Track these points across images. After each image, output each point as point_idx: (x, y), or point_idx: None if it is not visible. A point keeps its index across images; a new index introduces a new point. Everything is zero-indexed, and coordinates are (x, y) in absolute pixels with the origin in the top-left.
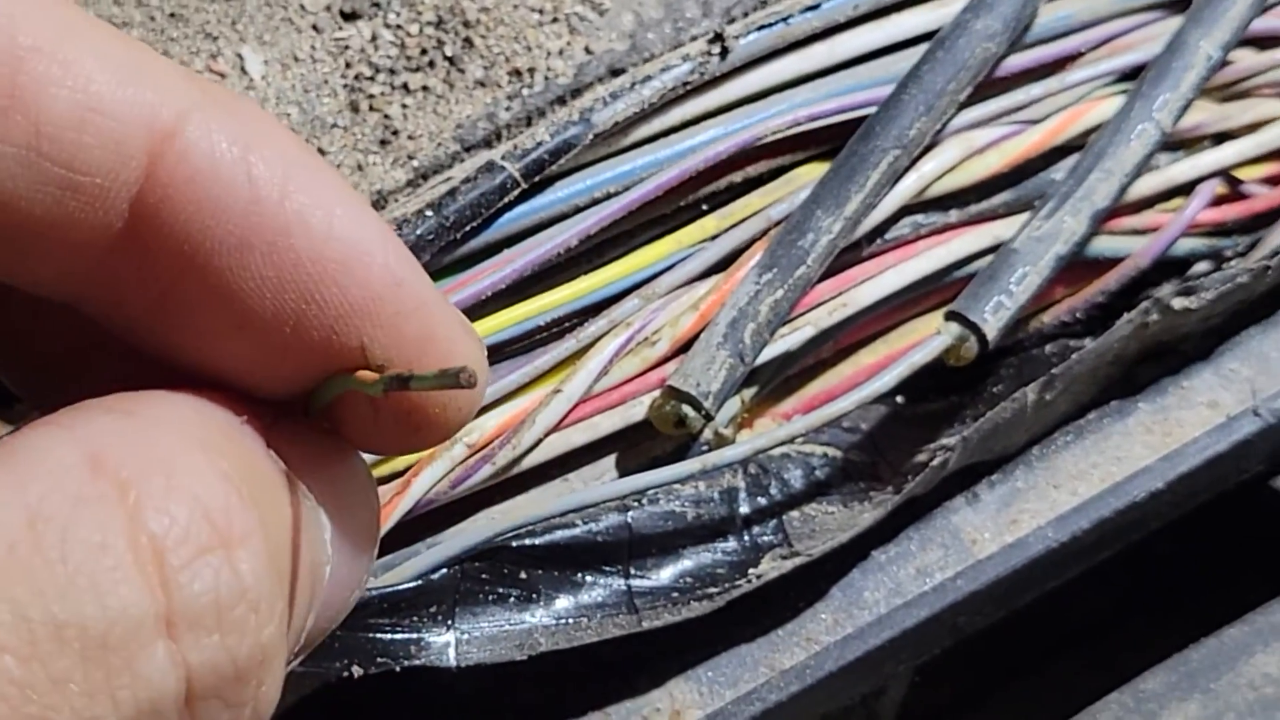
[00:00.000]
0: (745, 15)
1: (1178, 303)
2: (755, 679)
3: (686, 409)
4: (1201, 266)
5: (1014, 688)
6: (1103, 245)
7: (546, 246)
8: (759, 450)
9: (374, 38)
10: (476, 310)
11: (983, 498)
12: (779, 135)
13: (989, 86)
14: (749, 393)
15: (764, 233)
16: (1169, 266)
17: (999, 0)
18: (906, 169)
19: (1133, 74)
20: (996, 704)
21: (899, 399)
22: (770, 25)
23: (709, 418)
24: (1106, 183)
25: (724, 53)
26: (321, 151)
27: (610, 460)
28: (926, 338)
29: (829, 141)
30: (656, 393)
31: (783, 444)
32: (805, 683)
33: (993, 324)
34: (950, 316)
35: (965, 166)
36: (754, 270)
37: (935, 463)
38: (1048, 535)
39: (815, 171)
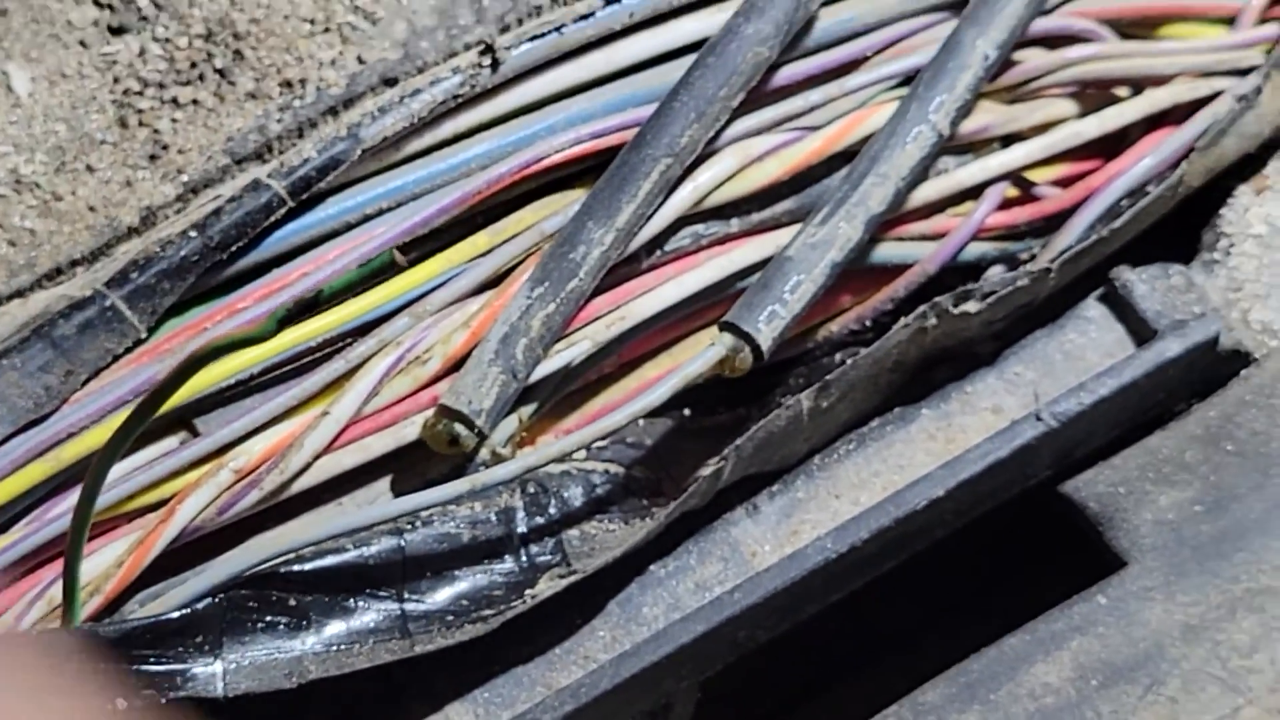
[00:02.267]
0: (520, 23)
1: (957, 308)
2: (532, 699)
3: (459, 427)
4: (995, 271)
5: (812, 701)
6: (891, 252)
7: (318, 276)
8: (531, 467)
9: (142, 52)
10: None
11: (763, 509)
12: (559, 155)
13: (769, 94)
14: (527, 410)
15: (537, 247)
16: (963, 272)
17: (770, 4)
18: (681, 178)
19: (915, 78)
20: (797, 717)
21: (686, 412)
22: (544, 35)
23: (483, 436)
24: (881, 187)
25: (495, 64)
26: (90, 169)
27: (384, 482)
28: (702, 349)
29: (608, 155)
30: (429, 412)
31: (557, 460)
32: (581, 701)
33: (767, 333)
34: (724, 327)
35: (744, 175)
36: (525, 285)
37: (708, 474)
38: (826, 546)
39: (590, 184)
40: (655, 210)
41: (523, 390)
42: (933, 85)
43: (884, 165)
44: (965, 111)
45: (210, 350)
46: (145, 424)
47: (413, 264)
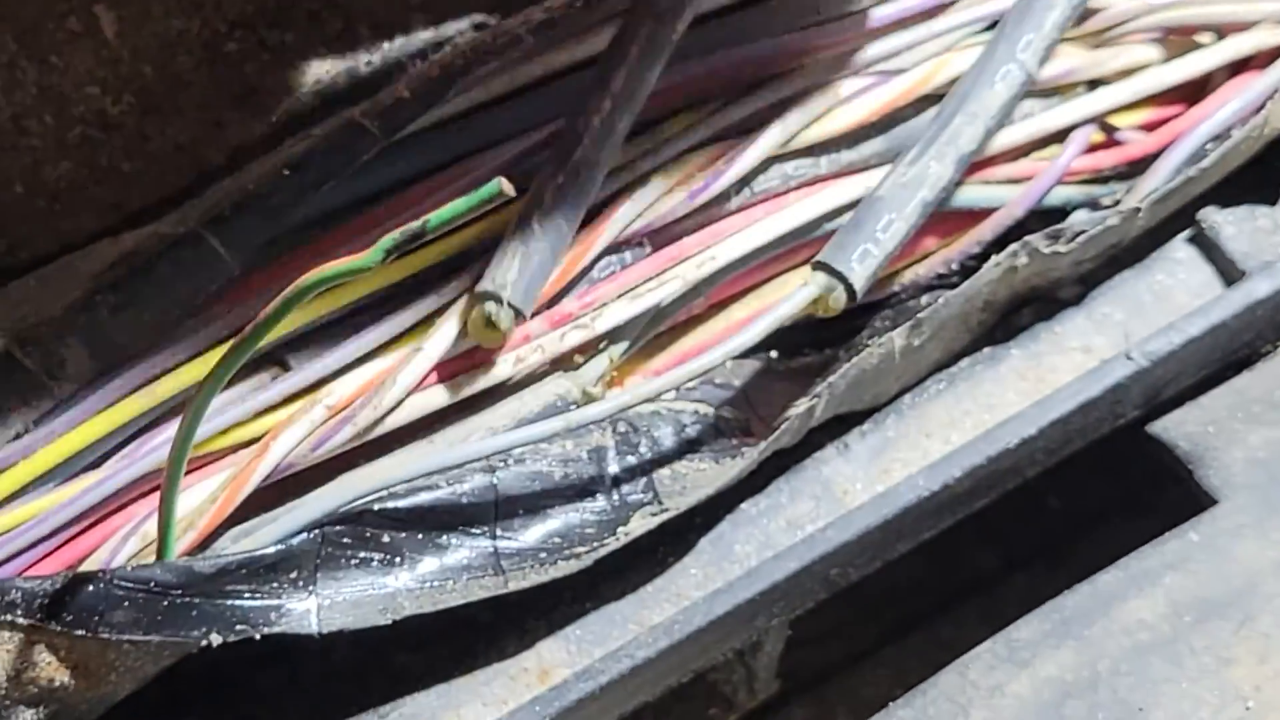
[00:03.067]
0: None
1: (1047, 246)
2: (624, 636)
3: (489, 306)
4: (1079, 215)
5: (897, 644)
6: (977, 195)
7: (411, 214)
8: (624, 406)
9: None
10: None
11: (854, 448)
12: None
13: (858, 36)
14: (617, 350)
15: (629, 188)
16: (1047, 215)
17: None
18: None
19: (1002, 19)
20: (882, 659)
21: (773, 354)
22: None
23: (517, 311)
24: (971, 126)
25: (589, 3)
26: (178, 109)
27: (476, 420)
28: (794, 289)
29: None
30: (519, 351)
31: (648, 400)
32: (674, 638)
33: (860, 273)
34: (817, 267)
35: (833, 115)
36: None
37: (801, 411)
38: (919, 484)
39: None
40: (646, 78)
41: (613, 329)
42: (1020, 24)
43: (973, 104)
44: (1051, 50)
45: (317, 280)
46: (246, 356)
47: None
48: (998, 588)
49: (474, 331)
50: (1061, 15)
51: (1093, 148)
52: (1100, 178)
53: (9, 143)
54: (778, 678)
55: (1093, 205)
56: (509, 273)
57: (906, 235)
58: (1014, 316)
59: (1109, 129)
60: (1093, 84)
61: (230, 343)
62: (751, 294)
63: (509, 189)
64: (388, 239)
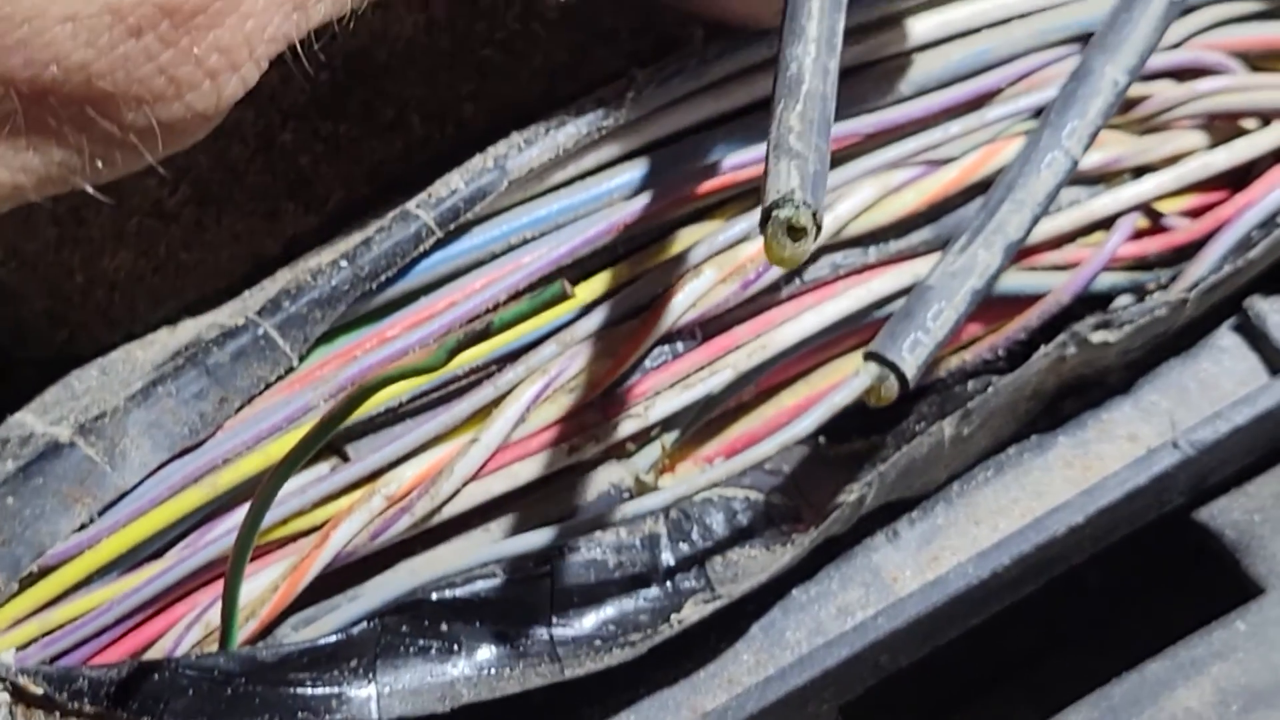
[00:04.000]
0: (657, 56)
1: (1095, 336)
2: None
3: (786, 210)
4: (1124, 300)
5: None
6: (1024, 281)
7: (468, 305)
8: (680, 498)
9: (284, 82)
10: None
11: (903, 535)
12: (703, 186)
13: (907, 126)
14: (669, 438)
15: (678, 276)
16: (1092, 301)
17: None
18: None
19: (1047, 106)
20: None
21: (821, 440)
22: (684, 69)
23: (812, 210)
24: (1019, 214)
25: (637, 97)
26: (233, 199)
27: (531, 509)
28: (846, 378)
29: (748, 186)
30: (573, 440)
31: (703, 490)
32: None
33: (911, 362)
34: (869, 356)
35: (882, 205)
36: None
37: (852, 500)
38: (968, 572)
39: (732, 213)
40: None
41: (665, 418)
42: (1064, 112)
43: (1020, 192)
44: (1096, 137)
45: (380, 381)
46: (310, 454)
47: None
48: (1041, 668)
49: (774, 252)
50: (1105, 102)
51: (1138, 234)
52: (1146, 264)
53: (68, 234)
54: None
55: (1138, 291)
56: (790, 180)
57: (957, 324)
58: (1060, 404)
59: (1154, 215)
60: (1138, 170)
61: (293, 436)
62: (801, 380)
63: (570, 290)
64: (452, 339)
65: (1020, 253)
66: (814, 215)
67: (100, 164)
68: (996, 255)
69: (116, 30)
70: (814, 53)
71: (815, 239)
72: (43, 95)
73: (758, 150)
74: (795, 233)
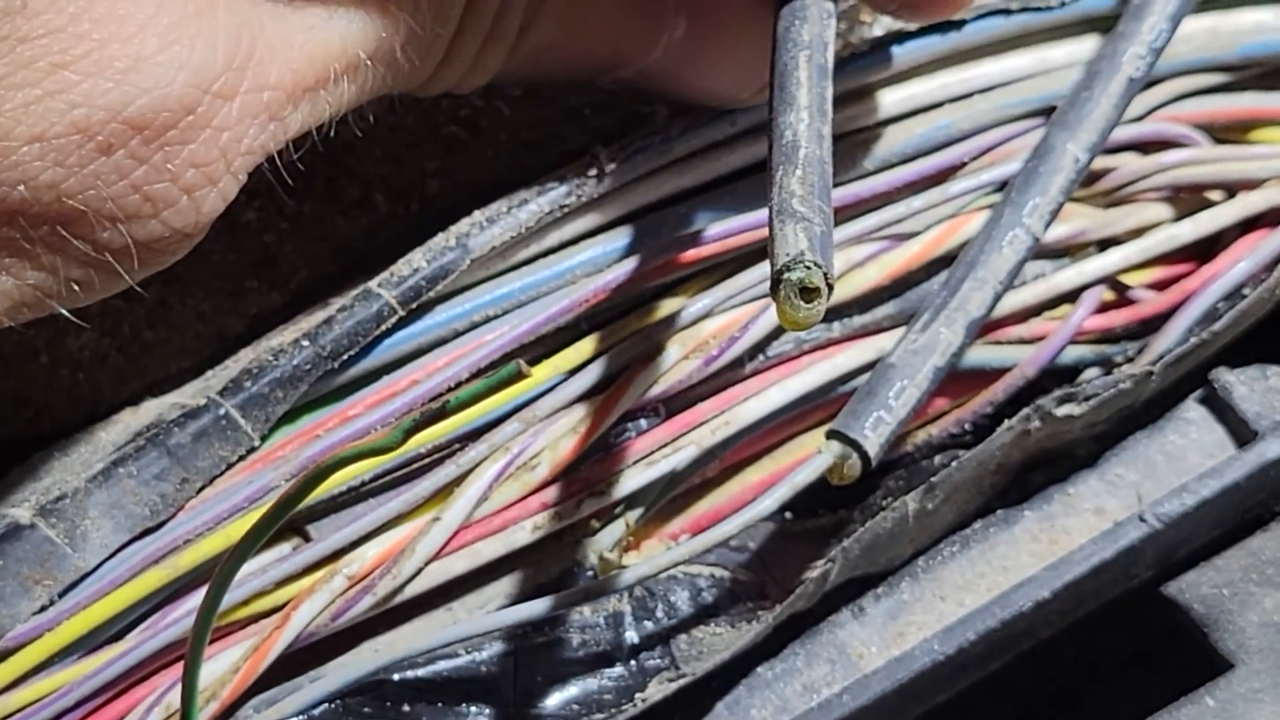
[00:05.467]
0: (623, 133)
1: (1060, 410)
2: None
3: (798, 273)
4: (1090, 374)
5: None
6: (989, 355)
7: (431, 383)
8: (642, 578)
9: None
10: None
11: (869, 611)
12: (664, 260)
13: (870, 199)
14: (633, 515)
15: (644, 353)
16: (1059, 375)
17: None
18: None
19: (1008, 183)
20: None
21: (787, 515)
22: (648, 146)
23: (823, 270)
24: (980, 291)
25: (600, 175)
26: (197, 279)
27: (495, 587)
28: (809, 457)
29: (714, 260)
30: (536, 518)
31: (668, 568)
32: None
33: (874, 440)
34: (831, 435)
35: (846, 280)
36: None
37: (816, 575)
38: (934, 648)
39: (698, 288)
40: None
41: (630, 495)
42: (1026, 189)
43: (981, 270)
44: (1058, 212)
45: (336, 461)
46: (268, 535)
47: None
48: None
49: (787, 314)
50: (1067, 179)
51: (1104, 307)
52: (1112, 336)
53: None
54: None
55: (1105, 363)
56: (798, 244)
57: (919, 401)
58: (1027, 478)
59: (1120, 287)
60: (1103, 243)
61: (254, 516)
62: (766, 456)
63: (526, 370)
64: (408, 420)
65: (985, 326)
66: (825, 275)
67: (77, 287)
68: (959, 333)
69: (86, 148)
70: (807, 119)
71: (828, 299)
72: (12, 216)
73: (722, 225)
74: (808, 294)
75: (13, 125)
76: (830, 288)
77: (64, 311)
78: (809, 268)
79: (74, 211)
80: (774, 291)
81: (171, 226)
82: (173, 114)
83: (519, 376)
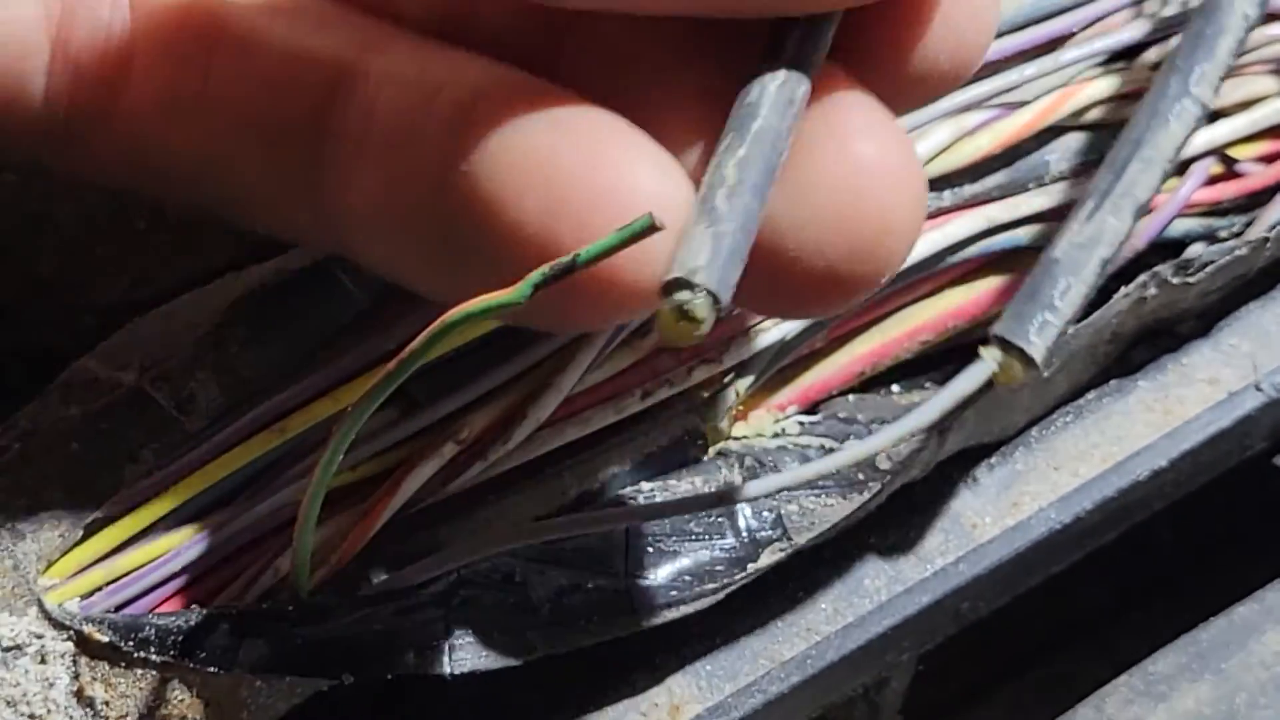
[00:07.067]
0: None
1: (1175, 277)
2: (755, 671)
3: (682, 295)
4: (1198, 247)
5: (1019, 679)
6: None
7: None
8: (754, 446)
9: None
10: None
11: (982, 481)
12: None
13: (981, 69)
14: (743, 384)
15: None
16: (1165, 248)
17: None
18: None
19: (1125, 53)
20: (1001, 696)
21: (895, 387)
22: None
23: (714, 297)
24: (1148, 173)
25: None
26: None
27: (605, 455)
28: (970, 365)
29: None
30: (646, 385)
31: (778, 438)
32: (806, 673)
33: (1039, 345)
34: (993, 341)
35: (957, 148)
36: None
37: (930, 446)
38: (1050, 517)
39: None
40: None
41: (739, 364)
42: (1191, 55)
43: (1148, 149)
44: (1224, 80)
45: (463, 317)
46: (388, 393)
47: None
48: (1113, 623)
49: (665, 330)
50: (1234, 40)
51: (1212, 180)
52: (1219, 210)
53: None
54: (900, 714)
55: (1211, 237)
56: (699, 256)
57: (1086, 298)
58: (1139, 349)
59: (1229, 161)
60: (1212, 116)
61: (364, 377)
62: (874, 328)
63: (660, 223)
64: (536, 274)
65: None
66: (715, 302)
67: None
68: (1126, 220)
69: None
70: (783, 77)
71: (712, 326)
72: None
73: None
74: (686, 315)
75: None
76: (719, 315)
77: None
78: (694, 292)
79: None
80: (661, 295)
81: None
82: None
83: (651, 229)
